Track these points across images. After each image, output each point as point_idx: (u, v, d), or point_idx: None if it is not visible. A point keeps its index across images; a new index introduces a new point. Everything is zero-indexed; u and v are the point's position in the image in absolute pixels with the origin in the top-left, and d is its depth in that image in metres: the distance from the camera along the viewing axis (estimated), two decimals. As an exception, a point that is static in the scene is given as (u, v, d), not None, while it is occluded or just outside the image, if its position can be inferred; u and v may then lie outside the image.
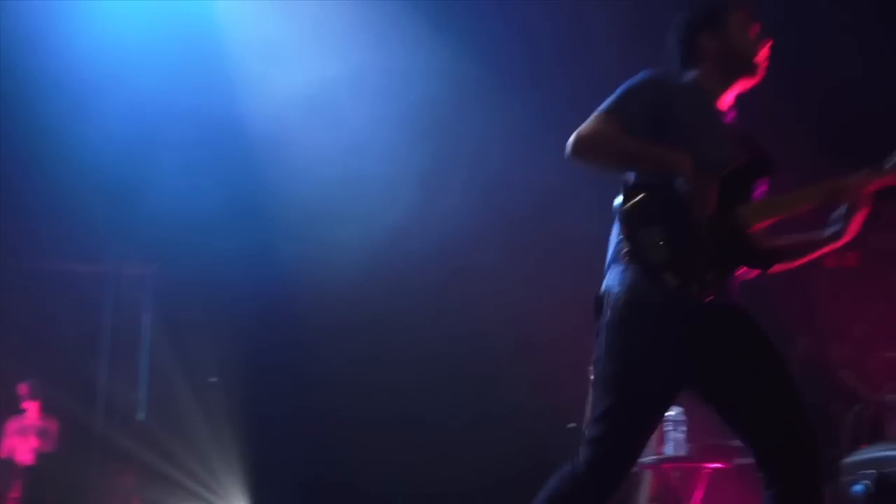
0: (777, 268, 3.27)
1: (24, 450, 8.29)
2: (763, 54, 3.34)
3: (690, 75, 3.38)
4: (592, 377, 5.47)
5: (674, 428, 5.85)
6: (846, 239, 3.25)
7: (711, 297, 3.01)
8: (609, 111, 3.17)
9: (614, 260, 3.17)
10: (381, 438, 7.84)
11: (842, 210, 3.24)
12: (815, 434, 3.08)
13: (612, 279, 3.15)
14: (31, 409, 8.42)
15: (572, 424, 5.75)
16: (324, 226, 7.64)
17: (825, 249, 3.30)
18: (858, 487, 4.60)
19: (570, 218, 7.04)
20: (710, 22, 3.37)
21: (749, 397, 3.08)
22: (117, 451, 8.08)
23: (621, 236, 3.05)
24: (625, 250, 3.02)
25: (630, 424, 3.08)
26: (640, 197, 3.09)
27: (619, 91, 3.23)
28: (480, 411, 7.63)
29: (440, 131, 7.38)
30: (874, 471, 4.66)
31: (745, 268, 3.15)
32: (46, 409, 8.41)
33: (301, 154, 7.51)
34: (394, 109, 7.38)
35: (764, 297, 3.44)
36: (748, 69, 3.34)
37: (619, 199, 3.06)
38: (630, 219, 3.06)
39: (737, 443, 6.07)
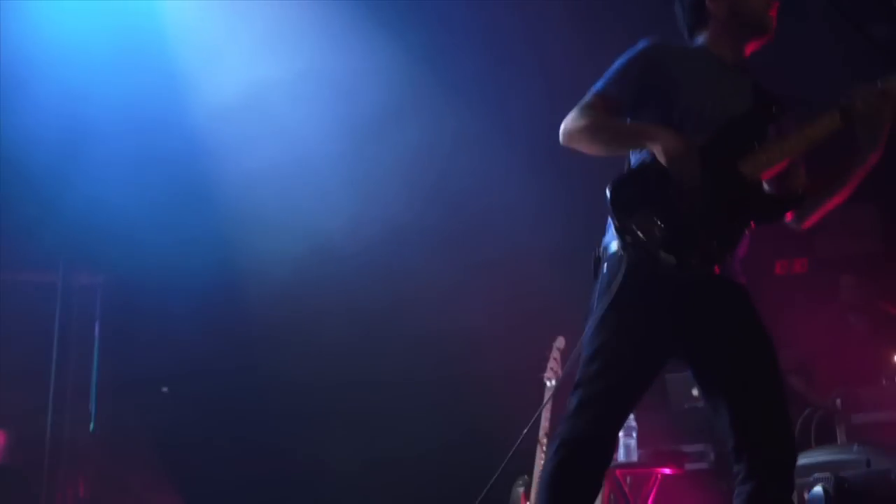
0: (798, 213, 3.27)
1: (-29, 462, 8.17)
2: (773, 10, 3.29)
3: (700, 41, 3.37)
4: (549, 382, 5.51)
5: (625, 434, 5.87)
6: (880, 152, 3.16)
7: (717, 269, 3.01)
8: (596, 92, 3.23)
9: (608, 223, 3.18)
10: (335, 455, 7.81)
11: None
12: (793, 432, 3.11)
13: (611, 238, 3.16)
14: (-22, 421, 8.30)
15: (525, 431, 5.75)
16: (275, 235, 7.59)
17: (860, 174, 3.21)
18: (817, 490, 4.61)
19: (522, 226, 7.06)
20: None
21: (742, 384, 3.09)
22: (67, 462, 7.98)
23: (613, 226, 3.06)
24: (618, 241, 3.03)
25: (618, 368, 3.06)
26: (624, 180, 3.12)
27: (612, 67, 3.27)
28: (432, 426, 7.60)
29: (392, 137, 7.36)
30: (828, 474, 4.68)
31: (757, 222, 3.11)
32: (-7, 421, 8.29)
33: (252, 159, 7.47)
34: (342, 114, 7.35)
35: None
36: (759, 28, 3.30)
37: (607, 187, 3.09)
38: (619, 208, 3.05)
39: (688, 448, 6.16)
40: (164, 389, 8.42)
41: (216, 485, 7.95)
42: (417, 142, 7.39)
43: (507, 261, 7.23)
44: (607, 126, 3.16)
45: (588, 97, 3.22)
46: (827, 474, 4.76)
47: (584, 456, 3.04)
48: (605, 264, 3.13)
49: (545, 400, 5.41)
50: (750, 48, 3.33)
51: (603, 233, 3.25)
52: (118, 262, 8.28)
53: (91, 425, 8.53)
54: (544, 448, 5.31)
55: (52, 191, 7.30)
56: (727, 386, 3.09)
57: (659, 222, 2.98)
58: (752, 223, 3.10)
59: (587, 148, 3.23)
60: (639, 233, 2.98)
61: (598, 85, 3.24)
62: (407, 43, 7.17)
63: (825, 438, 5.81)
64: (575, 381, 3.12)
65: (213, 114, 7.34)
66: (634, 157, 3.23)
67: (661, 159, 2.99)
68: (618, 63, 3.26)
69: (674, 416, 6.46)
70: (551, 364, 5.52)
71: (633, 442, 5.93)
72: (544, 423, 5.38)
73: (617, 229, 3.03)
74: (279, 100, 7.34)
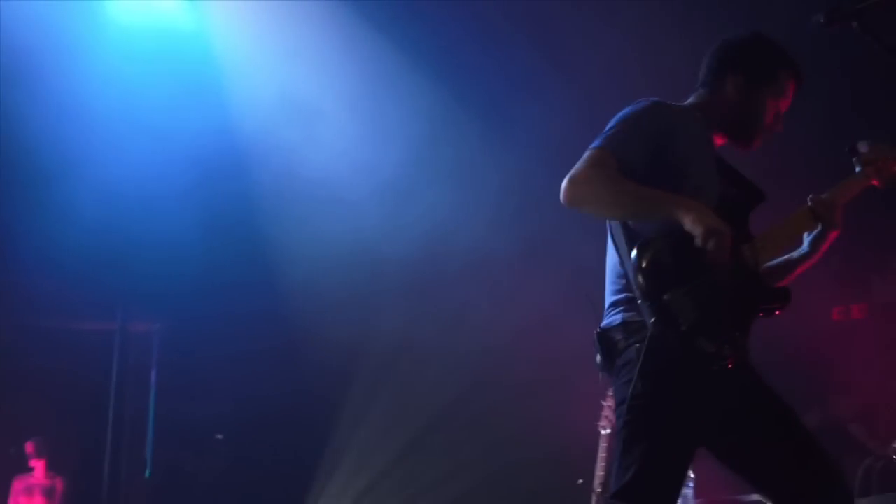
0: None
1: (29, 509, 8.26)
2: (767, 136, 3.19)
3: (697, 97, 3.23)
4: (604, 431, 5.46)
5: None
6: (815, 259, 3.22)
7: (743, 359, 2.86)
8: (605, 147, 2.94)
9: (627, 299, 2.97)
10: (385, 490, 7.80)
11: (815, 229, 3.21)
12: (844, 479, 3.02)
13: (630, 319, 2.95)
14: (38, 467, 8.38)
15: (580, 481, 5.70)
16: (332, 280, 7.63)
17: (798, 271, 3.24)
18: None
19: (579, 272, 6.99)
20: (750, 70, 3.17)
21: (774, 454, 2.97)
22: (123, 509, 8.04)
23: (643, 300, 2.83)
24: (652, 319, 2.79)
25: (664, 475, 2.90)
26: (656, 251, 2.86)
27: (615, 121, 3.02)
28: (486, 474, 7.56)
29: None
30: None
31: (762, 312, 2.98)
32: (52, 468, 8.38)
33: (304, 204, 7.52)
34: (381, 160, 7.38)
35: (770, 351, 3.40)
36: (746, 139, 3.18)
37: (633, 254, 2.85)
38: (651, 279, 2.82)
39: (746, 498, 6.07)
40: (219, 436, 8.47)
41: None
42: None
43: (562, 306, 7.17)
44: (632, 191, 2.87)
45: (596, 152, 2.92)
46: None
47: None
48: (636, 343, 2.88)
49: (600, 448, 5.37)
50: (721, 141, 3.20)
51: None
52: (175, 310, 8.38)
53: (147, 471, 8.61)
54: (598, 497, 5.27)
55: (109, 241, 7.41)
56: (765, 467, 2.98)
57: (693, 303, 2.78)
58: (759, 314, 2.96)
59: (599, 211, 2.98)
60: (675, 312, 2.77)
61: (606, 142, 2.94)
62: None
63: (888, 486, 5.72)
64: (622, 478, 2.87)
65: (276, 160, 7.42)
66: (643, 225, 2.96)
67: (696, 235, 2.79)
68: (622, 117, 3.01)
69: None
70: (606, 412, 5.47)
71: (689, 492, 5.86)
72: (599, 472, 5.33)
73: (651, 302, 2.79)
74: (330, 145, 7.39)
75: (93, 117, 7.07)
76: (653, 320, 2.79)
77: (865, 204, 3.43)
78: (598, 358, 3.03)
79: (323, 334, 7.76)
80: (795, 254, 3.26)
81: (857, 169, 3.31)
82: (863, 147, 3.32)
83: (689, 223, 2.82)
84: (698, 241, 2.80)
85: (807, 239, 3.25)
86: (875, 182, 3.29)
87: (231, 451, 8.37)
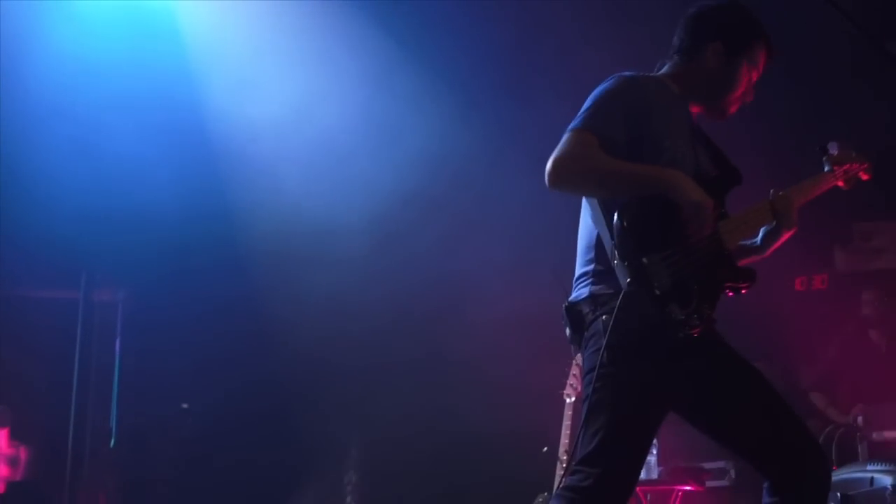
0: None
1: (-8, 478, 8.21)
2: (738, 105, 3.24)
3: (672, 65, 3.26)
4: (569, 399, 5.49)
5: (645, 451, 5.83)
6: (765, 255, 3.29)
7: (709, 329, 2.92)
8: (584, 127, 2.96)
9: (595, 272, 3.04)
10: (354, 472, 7.81)
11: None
12: (817, 442, 3.07)
13: (597, 292, 3.00)
14: (1, 436, 8.33)
15: (545, 449, 5.74)
16: (298, 253, 7.60)
17: (747, 261, 3.28)
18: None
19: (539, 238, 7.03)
20: (729, 38, 3.19)
21: (746, 415, 3.04)
22: (88, 477, 8.00)
23: (620, 260, 2.88)
24: (628, 279, 2.83)
25: (629, 442, 2.96)
26: (638, 214, 2.90)
27: (590, 101, 3.05)
28: (453, 441, 7.58)
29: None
30: (838, 493, 4.71)
31: (730, 289, 3.04)
32: (16, 437, 8.33)
33: (272, 176, 7.50)
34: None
35: (731, 320, 3.45)
36: (720, 108, 3.22)
37: (616, 215, 2.89)
38: (630, 240, 2.86)
39: (709, 465, 6.14)
40: (184, 406, 8.44)
41: (234, 500, 7.97)
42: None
43: (529, 275, 7.19)
44: (617, 169, 2.91)
45: (575, 133, 2.95)
46: (836, 493, 4.77)
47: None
48: (602, 325, 2.92)
49: (565, 417, 5.40)
50: (695, 109, 3.24)
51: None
52: (139, 279, 8.32)
53: (111, 441, 8.57)
54: (563, 465, 5.30)
55: (72, 208, 7.34)
56: (738, 429, 3.06)
57: (668, 270, 2.83)
58: (727, 291, 3.02)
59: (585, 192, 3.05)
60: (651, 275, 2.82)
61: (583, 120, 2.97)
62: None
63: (847, 456, 5.79)
64: (588, 447, 2.92)
65: (247, 133, 7.39)
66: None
67: (682, 207, 2.86)
68: (597, 96, 3.04)
69: (694, 432, 6.42)
70: (571, 381, 5.51)
71: (653, 459, 5.92)
72: (564, 441, 5.37)
73: (629, 263, 2.83)
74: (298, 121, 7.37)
75: (56, 85, 7.00)
76: (628, 280, 2.83)
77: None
78: (567, 331, 3.09)
79: (290, 307, 7.75)
80: (748, 243, 3.31)
81: (826, 168, 3.39)
82: (832, 148, 3.43)
83: (676, 195, 2.88)
84: (683, 214, 2.87)
85: (762, 232, 3.30)
86: (840, 184, 3.41)
87: (197, 421, 8.33)
